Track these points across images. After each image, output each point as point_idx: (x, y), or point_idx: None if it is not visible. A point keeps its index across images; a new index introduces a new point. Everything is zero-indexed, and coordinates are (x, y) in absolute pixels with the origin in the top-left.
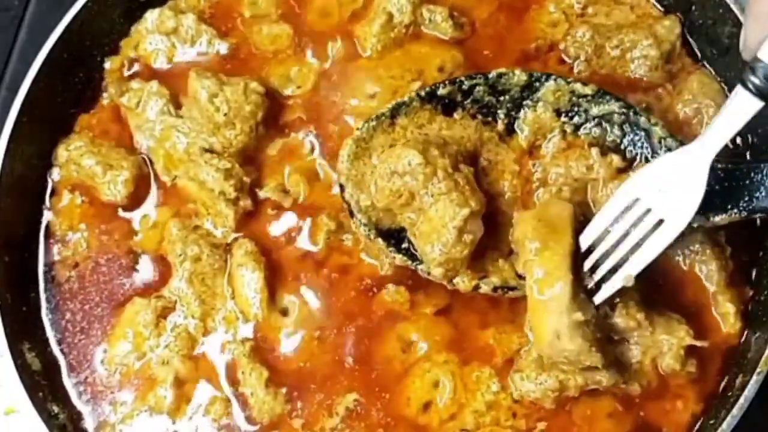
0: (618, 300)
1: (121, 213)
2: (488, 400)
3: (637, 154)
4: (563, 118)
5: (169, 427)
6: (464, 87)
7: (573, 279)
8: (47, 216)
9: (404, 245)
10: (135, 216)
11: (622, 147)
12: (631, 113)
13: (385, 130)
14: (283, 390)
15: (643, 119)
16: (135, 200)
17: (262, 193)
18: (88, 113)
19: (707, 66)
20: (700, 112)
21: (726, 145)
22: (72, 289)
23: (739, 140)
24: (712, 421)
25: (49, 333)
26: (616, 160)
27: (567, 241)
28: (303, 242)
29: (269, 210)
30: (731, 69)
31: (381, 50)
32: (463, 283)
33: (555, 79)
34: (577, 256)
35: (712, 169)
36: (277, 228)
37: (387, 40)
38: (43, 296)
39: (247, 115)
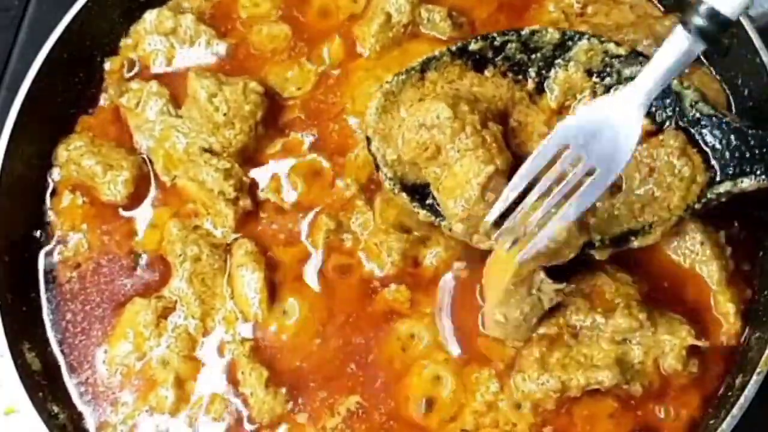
0: (619, 301)
1: (121, 213)
2: (487, 400)
3: (667, 117)
4: (594, 78)
5: (169, 427)
6: (496, 43)
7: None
8: (47, 216)
9: (428, 201)
10: (135, 216)
11: (652, 110)
12: None
13: (414, 84)
14: (283, 390)
15: (675, 82)
16: (135, 200)
17: (261, 193)
18: (88, 113)
19: (707, 66)
20: None
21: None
22: (73, 290)
23: None
24: (712, 421)
25: (50, 333)
26: (645, 122)
27: None
28: (303, 242)
29: (269, 210)
30: (731, 69)
31: (380, 50)
32: (482, 241)
33: (588, 39)
34: None
35: (741, 132)
36: (276, 228)
37: (385, 40)
38: (43, 296)
39: (247, 114)
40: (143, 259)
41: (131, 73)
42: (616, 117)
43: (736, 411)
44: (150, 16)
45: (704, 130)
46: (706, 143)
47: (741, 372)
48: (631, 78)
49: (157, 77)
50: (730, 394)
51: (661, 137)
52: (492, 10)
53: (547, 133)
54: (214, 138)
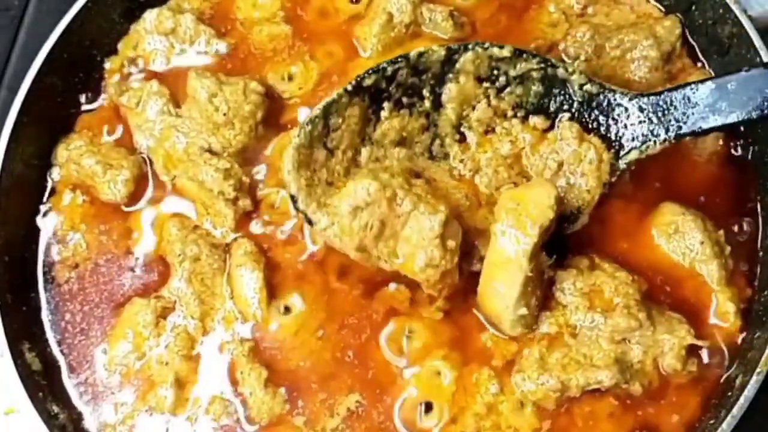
0: (619, 300)
1: (120, 213)
2: (488, 402)
3: (558, 106)
4: (485, 84)
5: (169, 427)
6: (387, 73)
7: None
8: (47, 216)
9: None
10: (134, 216)
11: (544, 105)
12: (549, 67)
13: (320, 134)
14: (282, 390)
15: (560, 70)
16: (135, 200)
17: (261, 193)
18: (88, 113)
19: (707, 66)
20: None
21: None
22: (72, 290)
23: None
24: (712, 421)
25: (49, 333)
26: (538, 121)
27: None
28: (302, 242)
29: (269, 210)
30: (731, 69)
31: (381, 50)
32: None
33: (473, 48)
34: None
35: (635, 101)
36: (276, 228)
37: (387, 39)
38: (43, 297)
39: (247, 114)
40: (142, 259)
41: (131, 73)
42: None
43: (736, 411)
44: (150, 15)
45: (596, 111)
46: (600, 123)
47: (741, 372)
48: (519, 76)
49: (158, 77)
50: (730, 394)
51: (556, 132)
52: (493, 11)
53: (459, 180)
54: (214, 138)
